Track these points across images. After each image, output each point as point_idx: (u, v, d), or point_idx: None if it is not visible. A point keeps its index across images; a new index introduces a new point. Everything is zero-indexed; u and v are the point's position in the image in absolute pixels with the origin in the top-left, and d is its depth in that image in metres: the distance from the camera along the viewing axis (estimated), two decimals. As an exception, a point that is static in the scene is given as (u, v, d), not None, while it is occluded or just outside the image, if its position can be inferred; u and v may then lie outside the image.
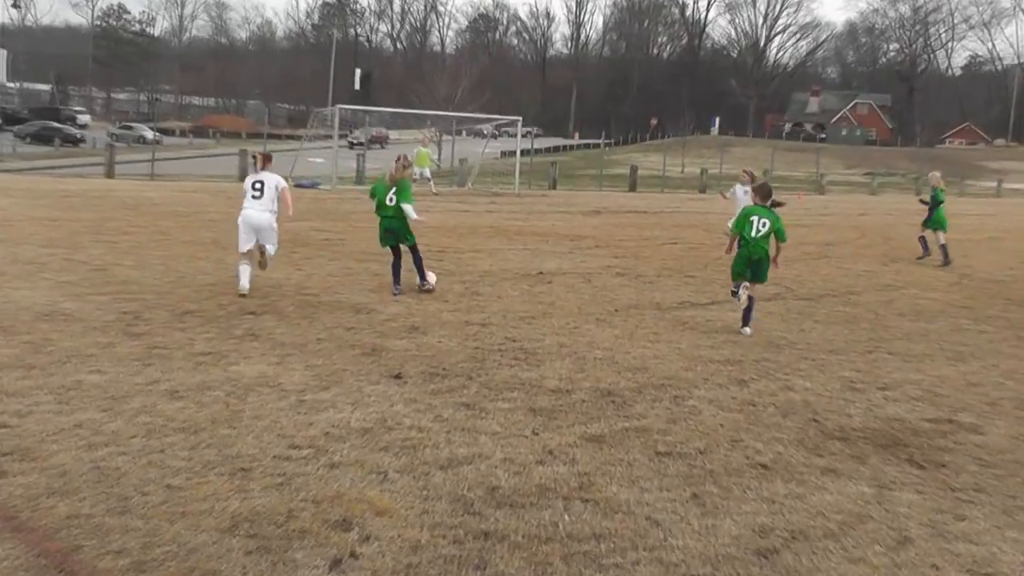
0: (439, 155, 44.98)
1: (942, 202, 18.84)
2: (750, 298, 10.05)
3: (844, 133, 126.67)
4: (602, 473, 5.58)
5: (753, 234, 10.06)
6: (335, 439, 5.91)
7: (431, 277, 12.06)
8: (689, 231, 22.52)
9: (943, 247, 18.00)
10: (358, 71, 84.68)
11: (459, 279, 12.99)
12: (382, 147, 64.99)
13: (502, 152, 58.86)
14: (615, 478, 5.51)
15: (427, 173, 32.15)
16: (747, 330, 10.05)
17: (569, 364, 8.30)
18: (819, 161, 61.37)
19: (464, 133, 59.03)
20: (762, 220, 10.16)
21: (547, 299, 11.72)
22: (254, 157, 12.15)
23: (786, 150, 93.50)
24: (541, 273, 13.94)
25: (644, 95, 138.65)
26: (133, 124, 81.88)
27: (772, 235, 10.16)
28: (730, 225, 11.18)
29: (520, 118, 39.32)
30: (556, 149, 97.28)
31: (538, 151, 75.47)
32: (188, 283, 11.44)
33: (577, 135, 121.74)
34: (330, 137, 35.18)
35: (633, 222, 25.03)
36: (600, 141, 56.57)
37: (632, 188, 45.15)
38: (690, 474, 5.64)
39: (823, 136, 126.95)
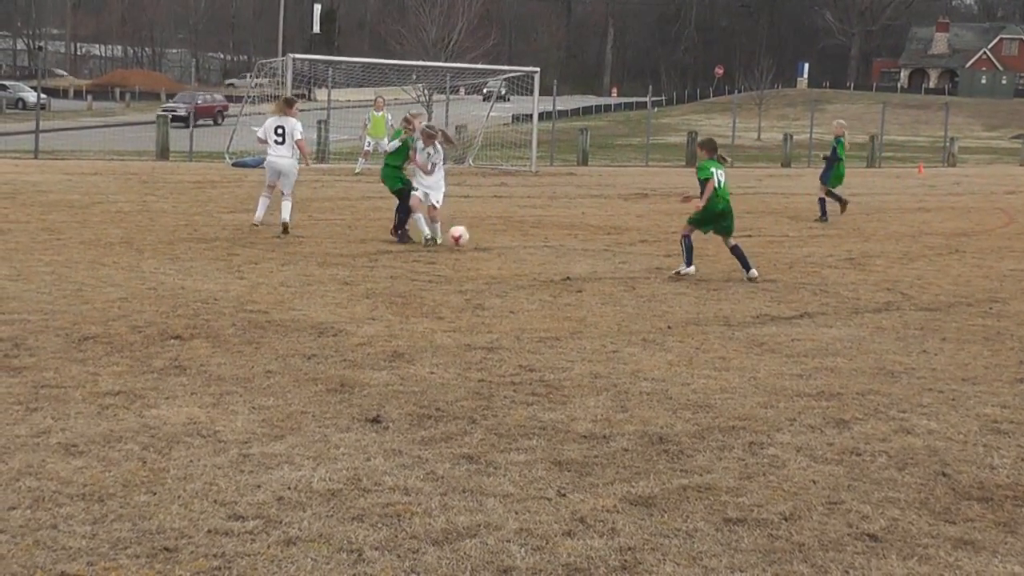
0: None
1: (841, 158, 23.15)
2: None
3: (984, 81, 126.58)
4: (652, 548, 5.59)
5: (720, 185, 14.45)
6: (291, 506, 5.95)
7: (457, 232, 16.54)
8: (767, 219, 22.58)
9: (822, 201, 22.85)
10: (317, 7, 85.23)
11: (458, 288, 13.06)
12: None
13: (514, 116, 59.07)
14: (670, 554, 5.53)
15: (384, 145, 32.32)
16: (755, 272, 14.37)
17: (606, 401, 8.32)
18: (947, 121, 61.35)
19: (462, 91, 59.20)
20: (720, 171, 14.52)
21: (576, 314, 11.77)
22: (276, 99, 18.58)
23: (902, 106, 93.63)
24: (568, 279, 14.00)
25: (705, 36, 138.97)
26: (7, 83, 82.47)
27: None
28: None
29: (538, 70, 39.53)
30: (587, 111, 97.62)
31: (563, 114, 75.72)
32: (88, 298, 11.53)
33: (615, 91, 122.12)
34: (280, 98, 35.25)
35: (691, 208, 25.03)
36: (646, 99, 56.69)
37: (691, 162, 45.22)
38: (771, 548, 5.65)
39: (954, 86, 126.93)
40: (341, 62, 46.64)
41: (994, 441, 7.67)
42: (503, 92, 48.08)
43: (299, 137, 17.51)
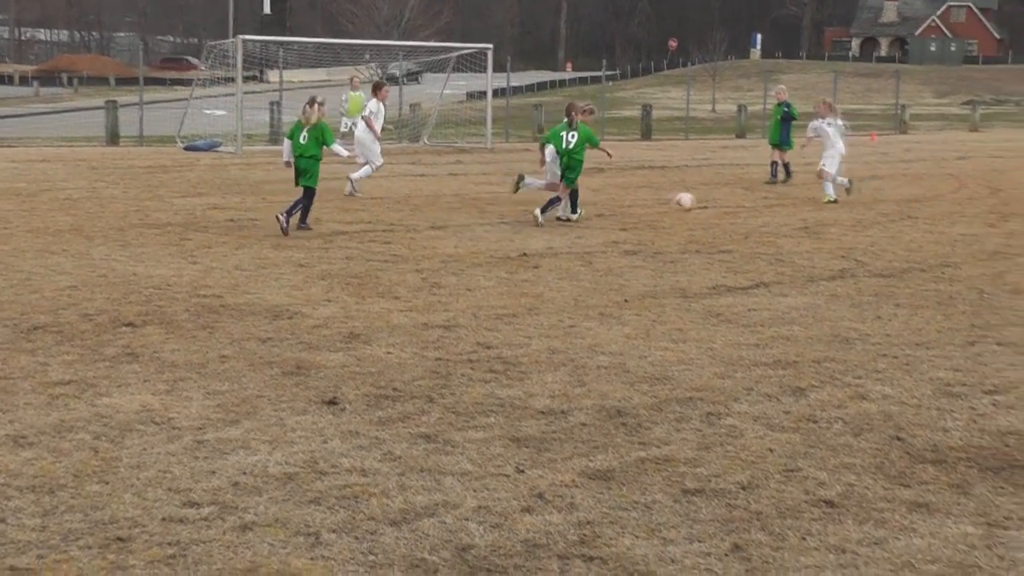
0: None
1: (796, 117, 24.78)
2: (558, 198, 17.22)
3: (933, 49, 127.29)
4: (611, 521, 5.60)
5: (564, 147, 16.98)
6: (247, 491, 5.92)
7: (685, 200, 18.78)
8: (723, 190, 22.65)
9: (775, 164, 24.44)
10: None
11: (414, 267, 13.02)
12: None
13: (468, 94, 58.93)
14: (628, 527, 5.54)
15: (347, 125, 32.34)
16: (541, 218, 16.81)
17: (564, 376, 8.32)
18: (899, 88, 61.70)
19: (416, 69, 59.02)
20: (570, 134, 16.94)
21: (533, 290, 11.76)
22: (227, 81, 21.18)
23: (854, 75, 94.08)
24: (525, 255, 13.99)
25: (659, 8, 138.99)
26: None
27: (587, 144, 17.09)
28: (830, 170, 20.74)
29: (491, 46, 39.38)
30: (542, 86, 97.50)
31: (518, 90, 75.61)
32: (37, 287, 11.41)
33: (570, 66, 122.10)
34: (232, 80, 35.07)
35: (647, 181, 25.14)
36: (601, 73, 56.64)
37: (646, 135, 45.29)
38: (729, 518, 5.67)
39: (904, 54, 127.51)
40: (293, 43, 46.44)
41: (947, 404, 7.73)
42: (398, 74, 47.94)
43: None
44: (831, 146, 20.60)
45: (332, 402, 7.55)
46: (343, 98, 33.15)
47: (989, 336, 9.85)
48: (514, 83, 58.74)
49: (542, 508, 5.76)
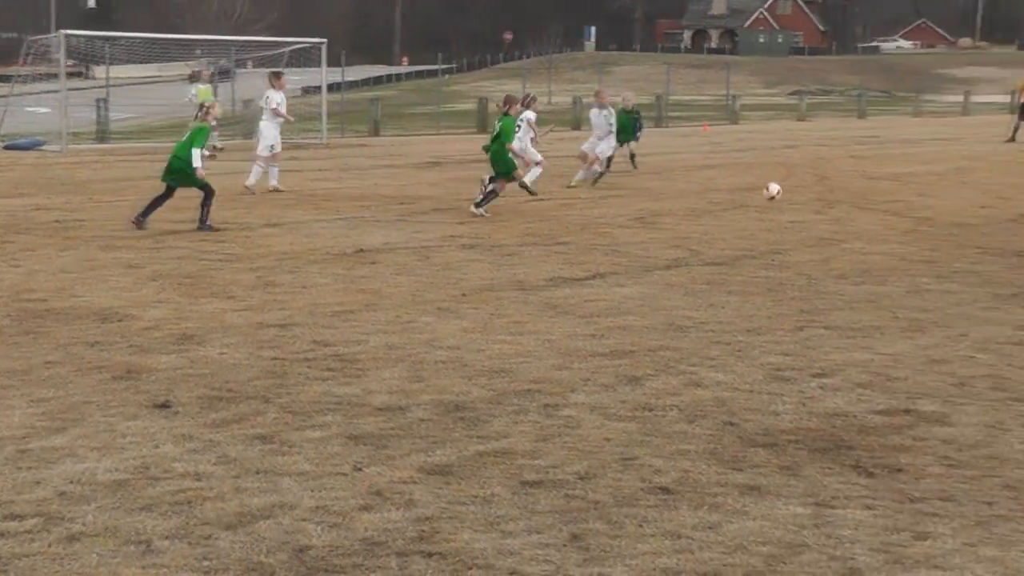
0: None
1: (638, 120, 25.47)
2: (495, 191, 17.37)
3: (762, 41, 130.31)
4: (450, 516, 5.60)
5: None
6: (75, 500, 5.76)
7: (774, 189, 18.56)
8: (560, 181, 22.80)
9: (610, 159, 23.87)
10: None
11: (249, 266, 12.85)
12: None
13: (303, 88, 58.29)
14: (468, 521, 5.54)
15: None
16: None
17: (402, 372, 8.30)
18: (729, 79, 62.98)
19: (250, 64, 58.22)
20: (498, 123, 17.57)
21: (370, 286, 11.71)
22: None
23: (686, 67, 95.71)
24: (361, 251, 13.92)
25: (495, 2, 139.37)
26: None
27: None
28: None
29: (325, 40, 39.03)
30: (378, 81, 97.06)
31: (353, 85, 75.07)
32: None
33: (406, 60, 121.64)
34: (55, 76, 34.14)
35: (480, 175, 25.15)
36: (437, 67, 56.63)
37: (482, 128, 45.38)
38: (568, 508, 5.71)
39: (734, 46, 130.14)
40: (119, 38, 45.27)
41: (778, 388, 7.92)
42: (210, 72, 47.41)
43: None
44: (607, 135, 21.64)
45: (164, 405, 7.40)
46: (192, 92, 32.60)
47: (817, 321, 10.11)
48: (349, 78, 58.34)
49: (381, 506, 5.73)
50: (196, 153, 15.58)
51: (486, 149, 17.94)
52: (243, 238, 14.97)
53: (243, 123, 39.33)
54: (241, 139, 37.24)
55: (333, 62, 42.52)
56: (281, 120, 21.53)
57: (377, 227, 16.12)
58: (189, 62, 49.09)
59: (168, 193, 15.95)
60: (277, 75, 22.66)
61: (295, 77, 55.85)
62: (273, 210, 17.93)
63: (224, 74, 45.58)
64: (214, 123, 16.43)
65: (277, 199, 19.59)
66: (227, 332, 9.53)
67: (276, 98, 21.52)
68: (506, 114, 17.64)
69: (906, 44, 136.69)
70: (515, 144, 17.94)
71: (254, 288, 11.55)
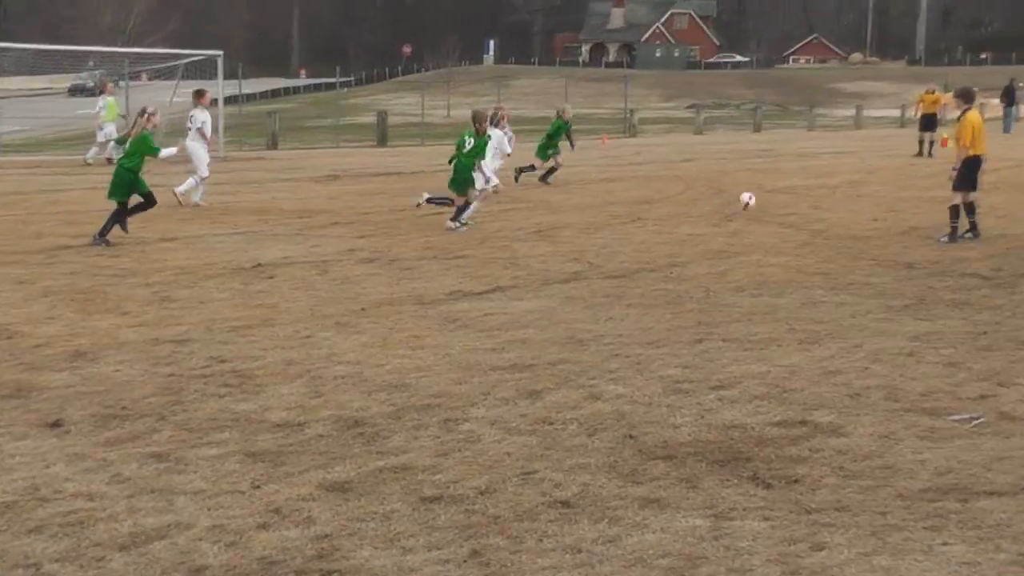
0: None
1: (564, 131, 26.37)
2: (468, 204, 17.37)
3: (659, 55, 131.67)
4: (349, 533, 5.56)
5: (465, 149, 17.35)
6: (-37, 523, 5.63)
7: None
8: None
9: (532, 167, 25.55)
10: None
11: (144, 281, 12.68)
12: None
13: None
14: (367, 538, 5.50)
15: (112, 131, 31.46)
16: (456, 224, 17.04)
17: (300, 388, 8.23)
18: (627, 93, 63.51)
19: (144, 76, 57.50)
20: (468, 140, 17.40)
21: (268, 300, 11.61)
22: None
23: (584, 80, 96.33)
24: (259, 265, 13.80)
25: (393, 14, 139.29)
26: None
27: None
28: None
29: (221, 53, 38.67)
30: (276, 94, 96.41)
31: (251, 97, 74.54)
32: None
33: (304, 73, 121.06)
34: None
35: (384, 188, 25.14)
36: (335, 80, 56.41)
37: (382, 142, 45.30)
38: (468, 524, 5.70)
39: (632, 60, 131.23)
40: (8, 49, 44.47)
41: (677, 401, 7.97)
42: (91, 84, 46.91)
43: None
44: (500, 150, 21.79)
45: (56, 424, 7.26)
46: (100, 104, 32.14)
47: (715, 333, 10.20)
48: (247, 90, 57.93)
49: (278, 523, 5.67)
50: (165, 151, 16.78)
51: (451, 161, 17.79)
52: (138, 253, 14.76)
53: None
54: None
55: (230, 75, 42.21)
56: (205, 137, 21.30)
57: (275, 241, 15.98)
58: (80, 74, 48.29)
59: (123, 208, 15.84)
60: (200, 93, 22.20)
61: (191, 90, 55.39)
62: (169, 224, 17.70)
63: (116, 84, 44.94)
64: (152, 129, 16.07)
65: (174, 213, 19.34)
66: (121, 349, 9.39)
67: (200, 117, 21.28)
68: (478, 132, 17.50)
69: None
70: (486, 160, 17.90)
71: (149, 304, 11.39)
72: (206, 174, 20.99)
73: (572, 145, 27.36)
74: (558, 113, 27.14)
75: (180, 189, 20.45)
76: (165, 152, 16.92)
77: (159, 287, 12.30)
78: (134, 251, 14.87)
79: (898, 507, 5.96)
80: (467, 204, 17.42)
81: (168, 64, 43.87)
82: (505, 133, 21.17)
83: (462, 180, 17.39)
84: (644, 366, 8.96)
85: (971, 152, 15.86)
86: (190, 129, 21.32)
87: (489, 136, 18.05)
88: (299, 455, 6.73)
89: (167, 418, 7.45)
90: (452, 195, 17.63)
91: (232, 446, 6.88)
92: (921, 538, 5.54)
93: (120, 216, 15.70)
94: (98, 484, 6.20)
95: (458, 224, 17.14)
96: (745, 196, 19.42)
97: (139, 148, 15.83)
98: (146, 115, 16.04)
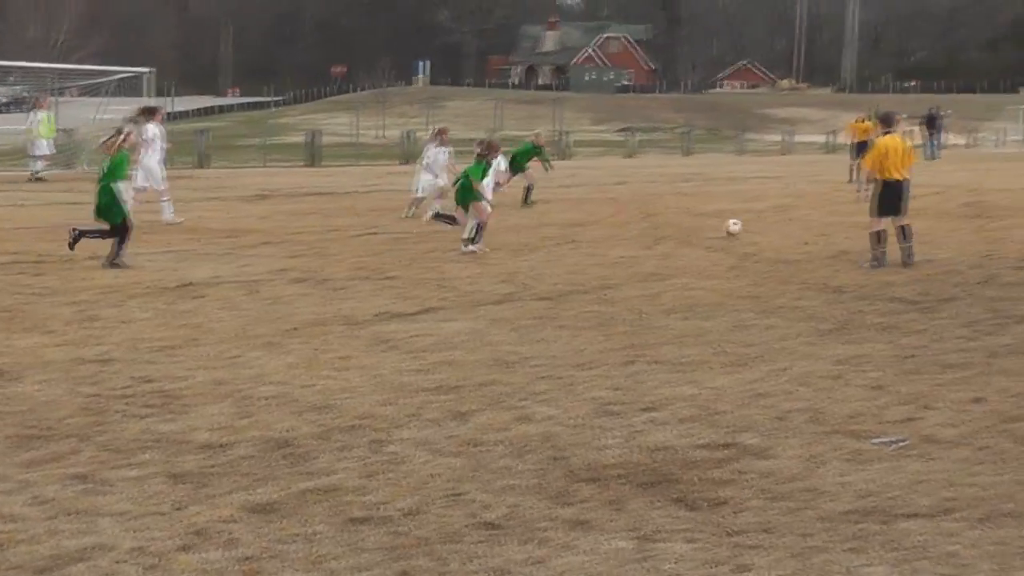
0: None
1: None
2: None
3: (591, 78, 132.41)
4: (272, 555, 5.52)
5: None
6: None
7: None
8: (391, 216, 22.80)
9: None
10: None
11: (69, 300, 12.54)
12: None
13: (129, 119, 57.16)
14: (291, 560, 5.47)
15: (45, 146, 31.27)
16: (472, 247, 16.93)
17: (227, 408, 8.17)
18: (560, 115, 63.80)
19: (71, 93, 56.99)
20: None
21: (195, 320, 11.52)
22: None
23: (517, 102, 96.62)
24: (188, 285, 13.70)
25: (325, 34, 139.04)
26: None
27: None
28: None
29: (151, 70, 38.44)
30: (207, 112, 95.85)
31: (182, 115, 73.97)
32: None
33: (236, 91, 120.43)
34: None
35: (315, 208, 25.04)
36: (266, 99, 56.22)
37: (313, 161, 45.13)
38: (394, 545, 5.67)
39: (564, 82, 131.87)
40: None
41: (605, 423, 8.00)
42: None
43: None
44: (441, 172, 22.22)
45: (-25, 445, 7.16)
46: (37, 119, 31.80)
47: (645, 355, 10.26)
48: (177, 108, 57.57)
49: (201, 545, 5.62)
50: (121, 187, 15.19)
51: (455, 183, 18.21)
52: (64, 271, 14.60)
53: (65, 152, 38.31)
54: (60, 169, 36.22)
55: (161, 92, 41.86)
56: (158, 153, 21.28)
57: (205, 261, 15.86)
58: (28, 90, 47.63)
59: (122, 226, 15.15)
60: (152, 110, 22.75)
61: (121, 107, 54.90)
62: (98, 243, 17.49)
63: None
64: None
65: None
66: (44, 368, 9.27)
67: (152, 131, 21.34)
68: (481, 158, 17.61)
69: None
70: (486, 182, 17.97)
71: (73, 322, 11.26)
72: (163, 187, 21.04)
73: (547, 167, 28.37)
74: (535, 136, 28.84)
75: (166, 217, 20.47)
76: (126, 188, 15.66)
77: (84, 306, 12.17)
78: (58, 269, 14.71)
79: (821, 529, 6.02)
80: (480, 226, 17.31)
81: (97, 80, 43.50)
82: (445, 151, 22.07)
83: (469, 199, 17.42)
84: (573, 388, 8.99)
85: (882, 176, 15.86)
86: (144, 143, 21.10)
87: (490, 163, 18.32)
88: (223, 476, 6.67)
89: (89, 439, 7.36)
90: (459, 215, 17.89)
91: (155, 467, 6.81)
92: (843, 560, 5.59)
93: (121, 233, 15.10)
94: (17, 506, 6.10)
95: (473, 247, 17.12)
96: (731, 223, 19.52)
97: (118, 169, 15.27)
98: (123, 135, 15.72)
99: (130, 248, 15.20)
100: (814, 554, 5.68)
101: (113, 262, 14.86)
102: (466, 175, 17.50)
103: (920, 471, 7.03)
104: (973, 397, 8.90)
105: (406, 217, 21.89)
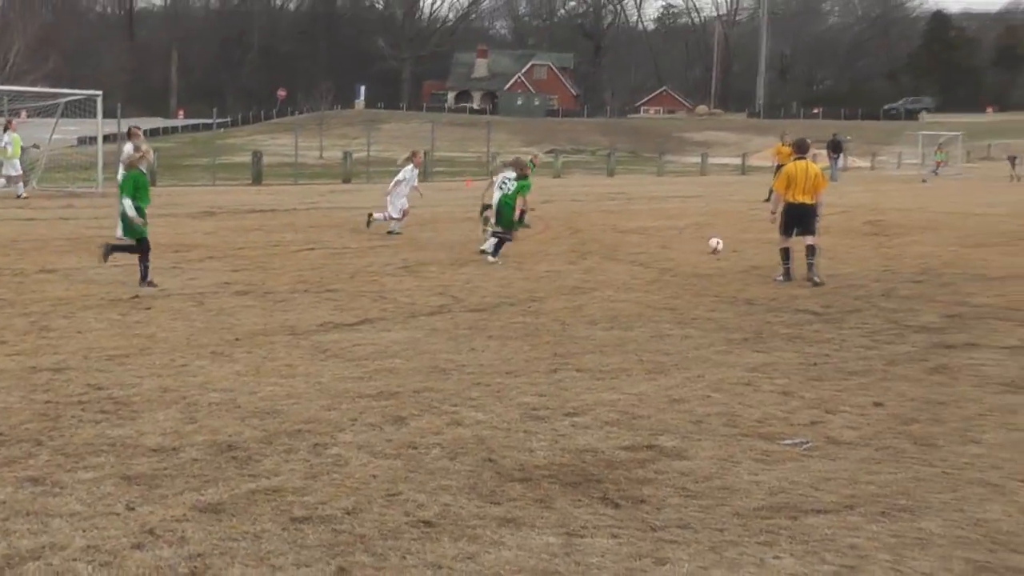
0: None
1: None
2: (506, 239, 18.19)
3: (520, 103, 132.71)
4: (221, 552, 5.51)
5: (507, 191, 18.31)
6: None
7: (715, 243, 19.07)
8: (331, 232, 22.74)
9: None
10: None
11: (22, 311, 12.38)
12: None
13: (80, 139, 56.55)
14: (238, 557, 5.46)
15: (17, 166, 30.88)
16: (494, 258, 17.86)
17: (176, 414, 8.13)
18: (490, 138, 63.88)
19: (24, 114, 56.28)
20: (507, 183, 18.48)
21: (145, 330, 11.43)
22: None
23: (450, 125, 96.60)
24: (137, 297, 13.58)
25: (268, 59, 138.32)
26: None
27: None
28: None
29: (100, 92, 37.99)
30: (155, 132, 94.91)
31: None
32: None
33: (181, 113, 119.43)
34: None
35: (258, 224, 24.90)
36: (212, 121, 55.76)
37: (256, 180, 44.87)
38: (335, 542, 5.69)
39: (495, 107, 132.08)
40: None
41: (533, 427, 8.05)
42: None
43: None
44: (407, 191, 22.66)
45: (-67, 449, 7.07)
46: (6, 140, 31.34)
47: (569, 364, 10.32)
48: (126, 129, 56.89)
49: (152, 544, 5.59)
50: (127, 203, 14.47)
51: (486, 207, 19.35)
52: (16, 283, 14.41)
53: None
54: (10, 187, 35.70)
55: (110, 114, 41.38)
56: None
57: (153, 274, 15.69)
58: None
59: (143, 244, 14.73)
60: (133, 133, 23.42)
61: (71, 127, 54.24)
62: (48, 256, 17.31)
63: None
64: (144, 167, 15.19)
65: (54, 246, 18.92)
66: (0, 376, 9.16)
67: (128, 150, 21.18)
68: (524, 177, 18.66)
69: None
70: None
71: (27, 333, 11.12)
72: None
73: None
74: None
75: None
76: (130, 206, 14.57)
77: (37, 316, 12.03)
78: (11, 282, 14.51)
79: (734, 524, 6.11)
80: (503, 240, 18.29)
81: (48, 102, 42.94)
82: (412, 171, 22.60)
83: (508, 218, 18.36)
84: (503, 394, 9.03)
85: (788, 199, 16.12)
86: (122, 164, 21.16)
87: (524, 180, 18.87)
88: (173, 478, 6.64)
89: (44, 443, 7.30)
90: (507, 232, 18.41)
91: (108, 470, 6.77)
92: (755, 552, 5.69)
93: (142, 250, 14.71)
94: (-26, 507, 6.04)
95: (495, 258, 18.02)
96: (713, 241, 19.55)
97: (126, 185, 14.71)
98: (140, 154, 15.04)
99: (77, 261, 15.01)
100: (728, 547, 5.77)
101: (147, 282, 14.46)
102: (511, 196, 18.35)
103: (825, 470, 7.15)
104: (873, 401, 9.07)
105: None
